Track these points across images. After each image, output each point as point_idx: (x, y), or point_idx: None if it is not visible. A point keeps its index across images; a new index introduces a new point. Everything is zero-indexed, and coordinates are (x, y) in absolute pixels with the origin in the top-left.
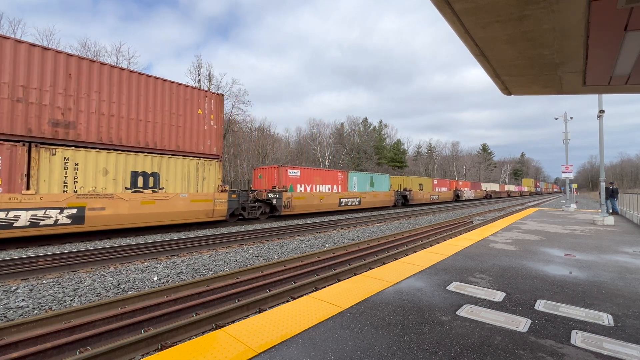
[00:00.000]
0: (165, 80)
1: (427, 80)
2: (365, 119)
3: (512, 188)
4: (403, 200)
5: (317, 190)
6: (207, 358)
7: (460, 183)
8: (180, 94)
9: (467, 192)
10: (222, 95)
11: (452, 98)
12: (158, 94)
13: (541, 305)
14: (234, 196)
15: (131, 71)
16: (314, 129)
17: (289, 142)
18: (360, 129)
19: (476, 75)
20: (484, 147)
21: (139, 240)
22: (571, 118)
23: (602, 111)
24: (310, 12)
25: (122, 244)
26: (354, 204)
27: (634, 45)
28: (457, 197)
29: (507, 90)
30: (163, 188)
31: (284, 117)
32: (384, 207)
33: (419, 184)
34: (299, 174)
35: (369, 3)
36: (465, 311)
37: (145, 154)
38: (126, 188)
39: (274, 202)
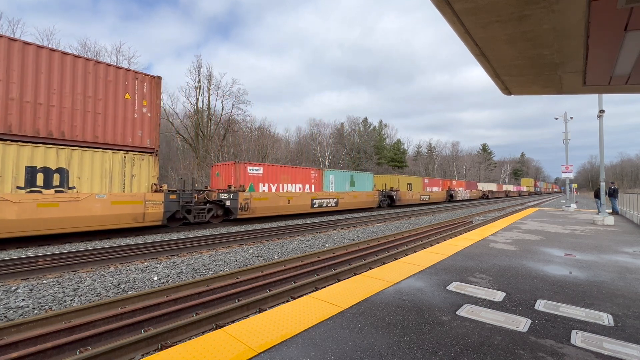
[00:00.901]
0: (77, 57)
1: (428, 79)
2: (366, 119)
3: (510, 188)
4: (389, 201)
5: (285, 190)
6: (207, 358)
7: (454, 182)
8: (99, 74)
9: (462, 192)
10: (159, 78)
11: (452, 98)
12: (67, 72)
13: (541, 305)
14: (172, 197)
15: (27, 43)
16: (314, 128)
17: (289, 142)
18: (360, 129)
19: (477, 75)
20: (484, 147)
21: (139, 240)
22: (571, 118)
23: (602, 111)
24: (311, 11)
25: (122, 244)
26: (329, 205)
27: (634, 45)
28: (450, 198)
29: (507, 90)
30: (74, 187)
31: (284, 117)
32: (366, 208)
33: (408, 184)
34: (261, 171)
35: (370, 2)
36: (465, 311)
37: (48, 145)
38: (18, 187)
39: (228, 203)
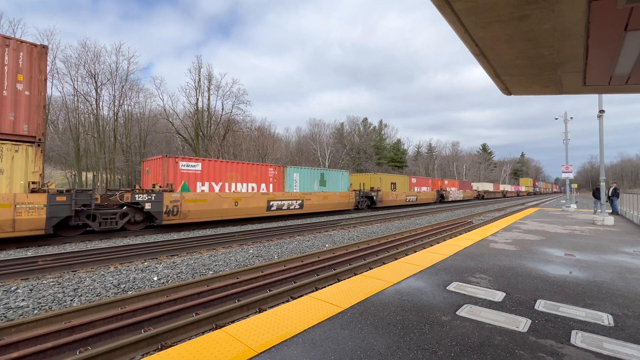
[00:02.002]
0: None
1: (429, 79)
2: (365, 119)
3: (508, 188)
4: (368, 202)
5: (232, 190)
6: (207, 358)
7: (446, 182)
8: None
9: (454, 193)
10: (44, 47)
11: (453, 97)
12: None
13: (541, 305)
14: (61, 199)
15: None
16: (314, 128)
17: (289, 142)
18: (360, 129)
19: (478, 75)
20: (484, 147)
21: (139, 240)
22: (571, 118)
23: (602, 111)
24: (312, 10)
25: (122, 244)
26: (292, 207)
27: (634, 45)
28: (441, 198)
29: (507, 90)
30: None
31: (284, 116)
32: (340, 210)
33: (391, 183)
34: (199, 167)
35: (371, 1)
36: (465, 311)
37: None
38: None
39: (148, 206)
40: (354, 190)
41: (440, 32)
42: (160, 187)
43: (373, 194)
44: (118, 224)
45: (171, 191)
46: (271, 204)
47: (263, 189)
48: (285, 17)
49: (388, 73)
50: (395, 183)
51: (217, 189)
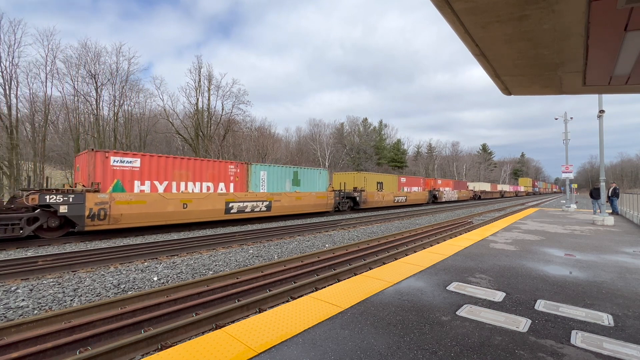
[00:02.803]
0: None
1: (429, 79)
2: (365, 119)
3: (506, 188)
4: (351, 203)
5: (180, 190)
6: (207, 358)
7: (439, 182)
8: None
9: (449, 193)
10: None
11: (453, 97)
12: None
13: (541, 305)
14: None
15: None
16: (314, 129)
17: (289, 142)
18: (360, 129)
19: (478, 74)
20: (484, 147)
21: (139, 240)
22: (571, 118)
23: (602, 111)
24: (313, 10)
25: (122, 244)
26: (257, 210)
27: (634, 45)
28: (434, 199)
29: (507, 90)
30: None
31: (284, 116)
32: (316, 212)
33: (377, 182)
34: (137, 164)
35: (371, 1)
36: (465, 311)
37: None
38: None
39: (64, 210)
40: (334, 190)
41: (441, 32)
42: (83, 186)
43: (356, 194)
44: (24, 231)
45: (96, 191)
46: (231, 206)
47: (222, 189)
48: (285, 16)
49: (388, 73)
50: (381, 182)
51: (161, 188)
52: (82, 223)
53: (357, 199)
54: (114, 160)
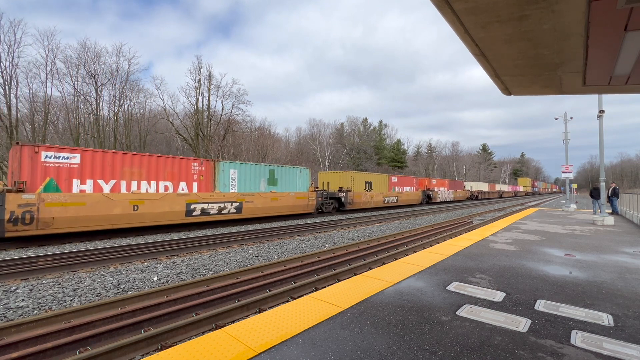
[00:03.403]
0: None
1: (430, 78)
2: (365, 119)
3: (504, 188)
4: (336, 204)
5: (131, 190)
6: (207, 358)
7: (434, 181)
8: None
9: (444, 193)
10: None
11: (453, 97)
12: None
13: (541, 305)
14: None
15: None
16: (314, 129)
17: (289, 142)
18: (360, 129)
19: (478, 75)
20: (484, 147)
21: (139, 240)
22: (571, 118)
23: (602, 111)
24: (313, 9)
25: (122, 244)
26: (225, 212)
27: (634, 45)
28: (428, 199)
29: (507, 90)
30: None
31: (284, 116)
32: (295, 215)
33: (366, 182)
34: (77, 160)
35: (372, 1)
36: (465, 311)
37: None
38: None
39: None
40: (316, 190)
41: (441, 32)
42: (4, 185)
43: (341, 194)
44: None
45: (20, 191)
46: (193, 207)
47: (183, 189)
48: (286, 16)
49: (388, 73)
50: (370, 182)
51: (107, 188)
52: (1, 228)
53: (343, 199)
54: (47, 156)
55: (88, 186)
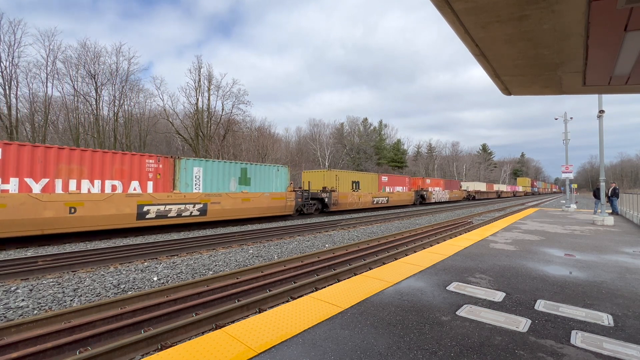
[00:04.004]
0: None
1: (430, 78)
2: (365, 119)
3: (503, 188)
4: (318, 205)
5: (69, 190)
6: (207, 358)
7: (428, 181)
8: None
9: (439, 193)
10: None
11: (454, 97)
12: None
13: (541, 305)
14: None
15: None
16: (314, 129)
17: (289, 142)
18: (360, 129)
19: (479, 75)
20: (484, 147)
21: (139, 240)
22: (571, 118)
23: (602, 111)
24: (314, 9)
25: (122, 244)
26: (187, 214)
27: (634, 45)
28: (421, 200)
29: (507, 90)
30: None
31: (284, 116)
32: (272, 217)
33: (353, 182)
34: None
35: (372, 1)
36: (465, 311)
37: None
38: None
39: None
40: (295, 190)
41: (442, 32)
42: None
43: (324, 195)
44: None
45: None
46: (146, 210)
47: (136, 189)
48: (286, 16)
49: (389, 73)
50: (358, 182)
51: (37, 188)
52: None
53: (326, 200)
54: None
55: (12, 185)
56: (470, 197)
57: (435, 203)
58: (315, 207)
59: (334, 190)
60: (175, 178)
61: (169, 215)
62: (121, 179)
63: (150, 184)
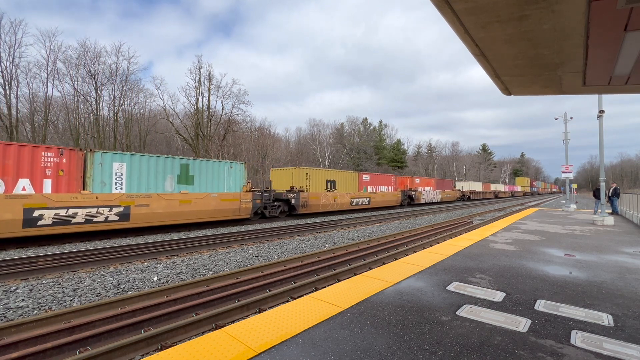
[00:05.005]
0: None
1: (430, 78)
2: (365, 119)
3: (500, 188)
4: (284, 207)
5: None
6: (207, 358)
7: (417, 180)
8: None
9: (429, 193)
10: None
11: (454, 97)
12: None
13: (541, 305)
14: None
15: None
16: (314, 129)
17: (289, 142)
18: (360, 129)
19: (479, 74)
20: (484, 147)
21: (139, 240)
22: (571, 118)
23: (602, 111)
24: (314, 9)
25: (122, 244)
26: (101, 220)
27: (634, 45)
28: (410, 200)
29: (507, 90)
30: None
31: (284, 116)
32: (222, 221)
33: (328, 181)
34: None
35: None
36: (465, 311)
37: None
38: None
39: None
40: (253, 190)
41: (442, 32)
42: None
43: (291, 196)
44: None
45: None
46: (39, 214)
47: (25, 189)
48: (286, 15)
49: (389, 73)
50: (333, 181)
51: None
52: None
53: (293, 201)
54: None
55: None
56: (465, 198)
57: (426, 204)
58: (281, 209)
59: (302, 191)
60: (86, 175)
61: (72, 221)
62: (3, 177)
63: (47, 183)
